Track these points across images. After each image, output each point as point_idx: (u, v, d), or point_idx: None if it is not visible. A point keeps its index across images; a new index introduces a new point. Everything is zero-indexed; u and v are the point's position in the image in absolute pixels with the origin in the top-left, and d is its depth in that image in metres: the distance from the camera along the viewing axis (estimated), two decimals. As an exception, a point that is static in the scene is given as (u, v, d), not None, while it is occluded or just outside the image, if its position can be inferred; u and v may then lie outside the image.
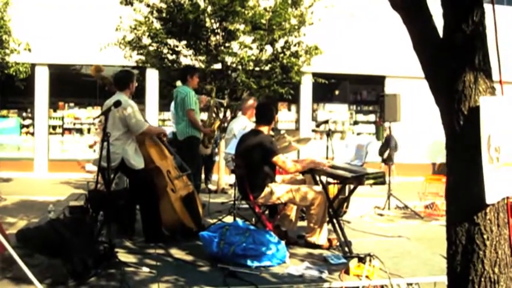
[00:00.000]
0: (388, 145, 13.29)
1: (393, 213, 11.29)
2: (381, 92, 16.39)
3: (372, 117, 19.70)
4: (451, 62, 2.84)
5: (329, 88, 17.82)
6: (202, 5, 10.83)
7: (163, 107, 17.07)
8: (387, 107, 11.64)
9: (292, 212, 6.14)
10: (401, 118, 11.69)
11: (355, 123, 19.60)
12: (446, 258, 3.03)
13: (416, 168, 17.15)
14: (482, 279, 2.86)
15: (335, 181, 6.12)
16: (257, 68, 11.65)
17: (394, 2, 3.11)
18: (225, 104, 11.05)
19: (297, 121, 18.99)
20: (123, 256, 5.21)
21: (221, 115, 11.46)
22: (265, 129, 6.00)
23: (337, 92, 19.62)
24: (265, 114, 6.07)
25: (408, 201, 11.53)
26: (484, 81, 2.88)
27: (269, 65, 11.61)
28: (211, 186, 12.61)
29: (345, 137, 18.70)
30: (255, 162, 5.75)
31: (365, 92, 19.98)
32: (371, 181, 5.37)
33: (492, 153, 2.89)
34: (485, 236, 2.87)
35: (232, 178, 12.03)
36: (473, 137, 2.85)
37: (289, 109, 18.83)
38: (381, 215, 11.08)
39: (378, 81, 19.15)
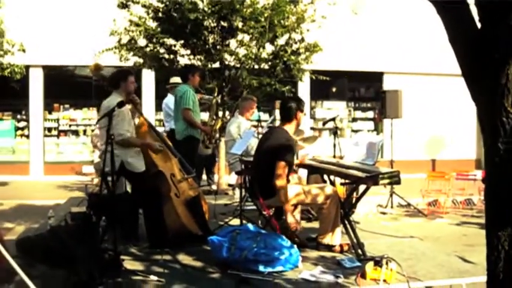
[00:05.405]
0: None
1: (396, 211, 11.12)
2: (379, 89, 16.31)
3: (370, 114, 19.53)
4: (494, 54, 2.64)
5: (327, 85, 17.63)
6: (201, 4, 10.59)
7: (160, 107, 16.84)
8: (388, 103, 11.46)
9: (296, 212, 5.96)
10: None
11: (354, 120, 19.42)
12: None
13: (416, 164, 17.02)
14: (528, 288, 2.67)
15: (347, 181, 5.92)
16: (257, 66, 11.43)
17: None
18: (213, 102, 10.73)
19: (295, 119, 18.72)
20: (129, 264, 5.01)
21: (220, 114, 11.25)
22: (289, 127, 5.73)
23: (334, 89, 19.42)
24: (287, 112, 5.75)
25: (410, 198, 11.35)
26: (529, 74, 2.68)
27: (269, 63, 11.40)
28: (212, 187, 12.41)
29: (344, 135, 18.53)
30: (270, 162, 5.43)
31: (363, 89, 19.83)
32: (386, 181, 5.16)
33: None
34: (530, 242, 2.68)
35: (231, 178, 11.84)
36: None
37: (287, 107, 18.63)
38: (384, 213, 10.92)
39: (375, 78, 18.97)
